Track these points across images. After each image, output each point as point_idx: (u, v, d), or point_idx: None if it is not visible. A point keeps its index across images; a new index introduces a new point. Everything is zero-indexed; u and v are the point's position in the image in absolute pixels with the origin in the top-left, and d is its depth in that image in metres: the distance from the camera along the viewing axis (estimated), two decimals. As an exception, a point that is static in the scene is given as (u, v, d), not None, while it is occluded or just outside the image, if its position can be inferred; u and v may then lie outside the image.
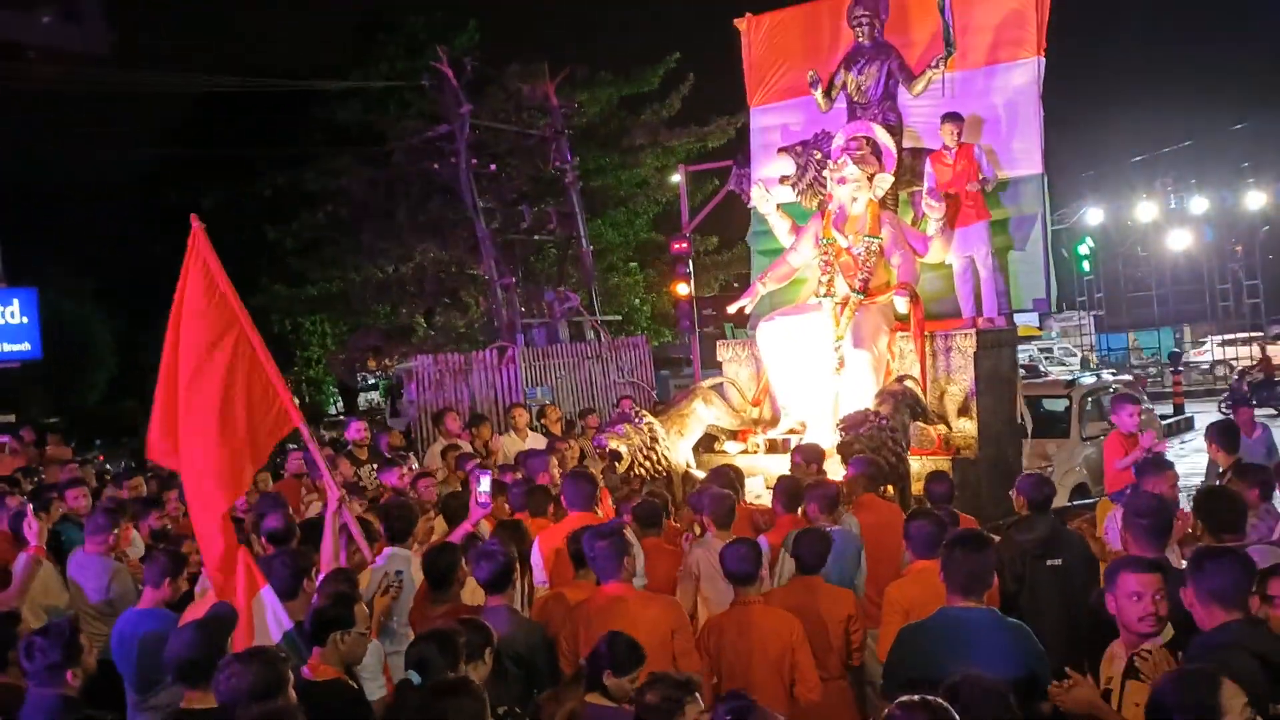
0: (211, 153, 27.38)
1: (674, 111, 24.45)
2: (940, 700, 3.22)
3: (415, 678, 4.50)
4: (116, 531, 7.32)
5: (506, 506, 7.86)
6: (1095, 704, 4.08)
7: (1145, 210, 36.05)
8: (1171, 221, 38.71)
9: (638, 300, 26.57)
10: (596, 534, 5.74)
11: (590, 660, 4.65)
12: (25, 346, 22.44)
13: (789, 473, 8.24)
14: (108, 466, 14.55)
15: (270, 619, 5.00)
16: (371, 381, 33.11)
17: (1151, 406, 16.74)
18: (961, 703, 3.42)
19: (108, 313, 29.63)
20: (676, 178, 25.13)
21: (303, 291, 25.32)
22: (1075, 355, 43.52)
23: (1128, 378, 22.50)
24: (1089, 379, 16.60)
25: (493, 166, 23.35)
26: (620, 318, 24.81)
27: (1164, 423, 20.83)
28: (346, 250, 25.03)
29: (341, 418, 32.00)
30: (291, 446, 11.63)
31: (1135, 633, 4.34)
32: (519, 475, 8.94)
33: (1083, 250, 36.17)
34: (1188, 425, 24.49)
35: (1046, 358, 41.46)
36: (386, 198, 24.22)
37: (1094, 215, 36.09)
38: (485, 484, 7.09)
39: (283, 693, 4.05)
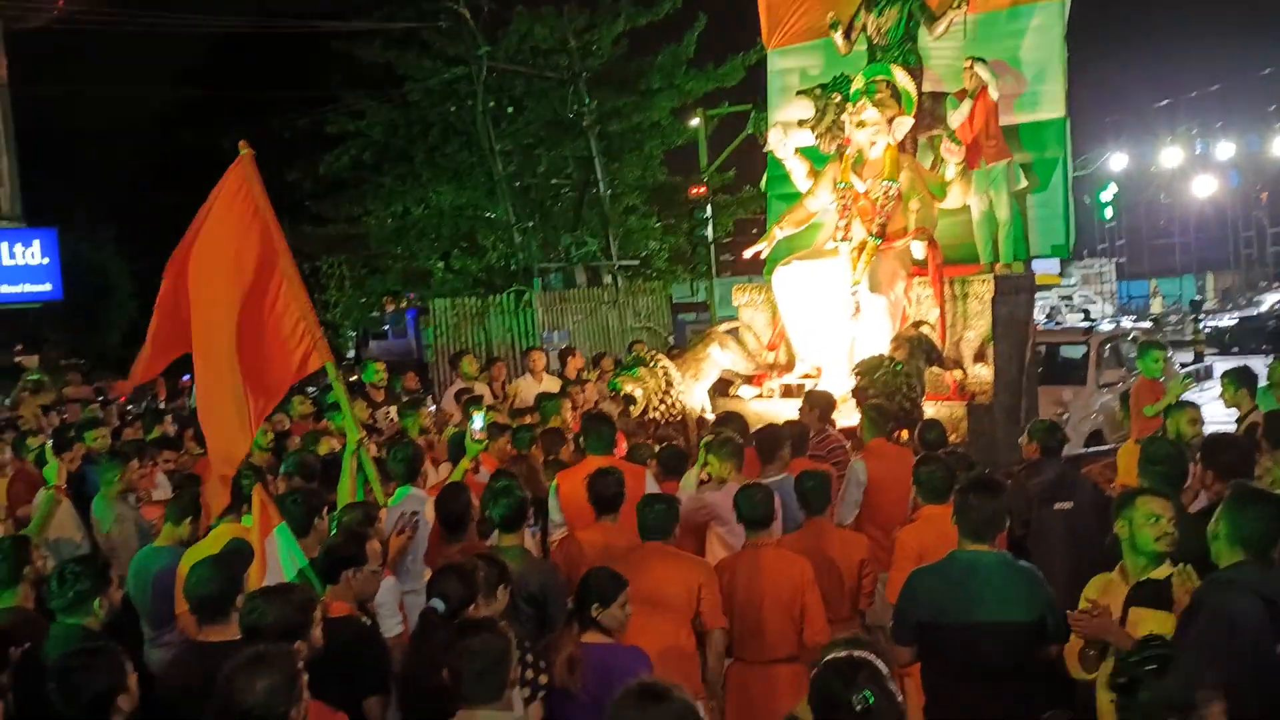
0: (231, 94, 27.27)
1: (690, 54, 24.19)
2: (866, 654, 3.23)
3: (439, 605, 4.55)
4: (126, 474, 7.39)
5: (509, 449, 7.90)
6: (1114, 632, 4.11)
7: (1170, 156, 35.60)
8: (1196, 168, 38.26)
9: (654, 244, 26.45)
10: (654, 499, 5.78)
11: (577, 602, 4.69)
12: (46, 287, 22.54)
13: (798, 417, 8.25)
14: (129, 408, 14.65)
15: (285, 555, 5.05)
16: (385, 326, 33.19)
17: (1172, 355, 16.65)
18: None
19: (127, 255, 29.70)
20: (695, 121, 24.90)
21: (322, 231, 25.28)
22: (1095, 303, 43.20)
23: (1147, 325, 22.44)
24: (1108, 326, 16.51)
25: (510, 109, 23.18)
26: (637, 262, 24.71)
27: (1183, 370, 20.73)
28: (365, 192, 24.97)
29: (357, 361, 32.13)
30: (311, 390, 11.70)
31: (1150, 553, 4.36)
32: (533, 419, 8.98)
33: (1105, 197, 35.80)
34: (1207, 374, 24.36)
35: (1066, 305, 41.17)
36: (405, 140, 24.13)
37: (1117, 161, 35.69)
38: (478, 421, 7.15)
39: (308, 632, 4.09)
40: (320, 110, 24.87)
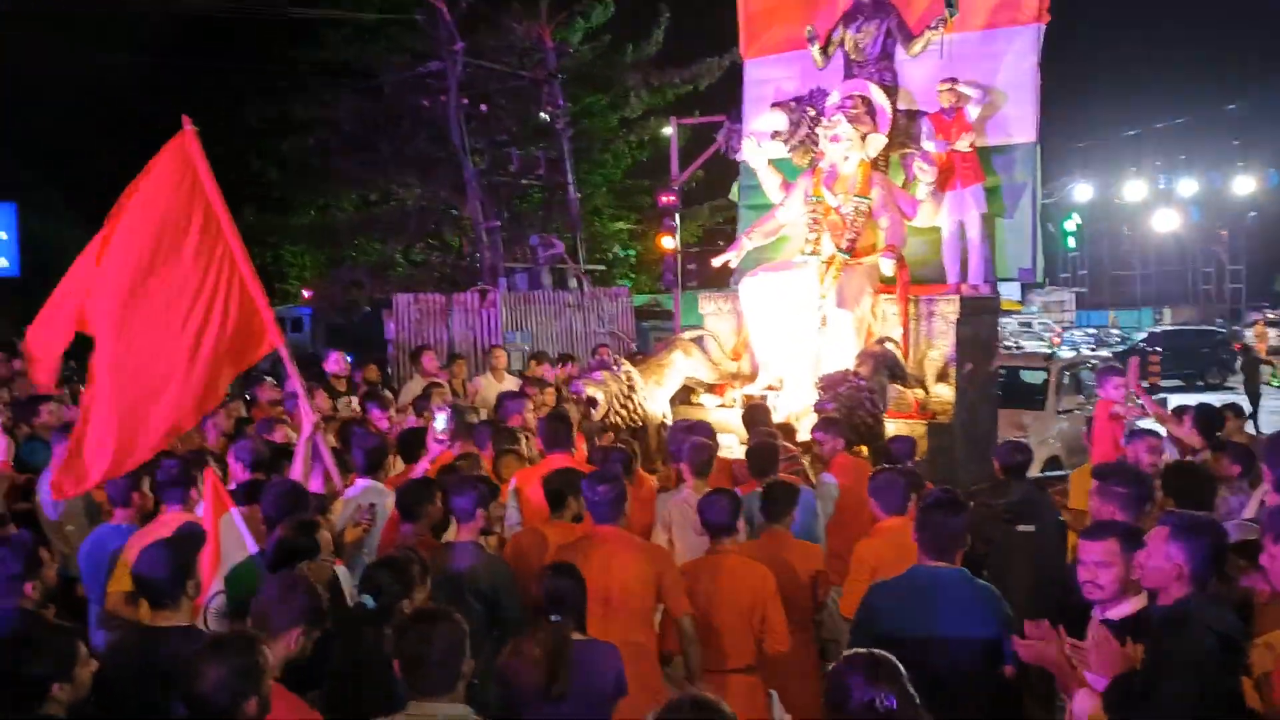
0: (200, 75, 26.96)
1: (659, 47, 24.24)
2: (886, 654, 3.19)
3: (369, 601, 4.49)
4: None
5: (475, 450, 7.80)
6: (1058, 663, 4.07)
7: (1134, 189, 36.00)
8: (1159, 201, 38.68)
9: (620, 249, 26.46)
10: (599, 478, 5.69)
11: (570, 600, 4.60)
12: (3, 263, 22.12)
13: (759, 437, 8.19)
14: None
15: (238, 541, 4.96)
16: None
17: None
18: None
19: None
20: (668, 130, 24.97)
21: (288, 220, 25.03)
22: (1053, 330, 43.65)
23: (1107, 354, 22.68)
24: (1067, 353, 16.67)
25: (483, 107, 23.07)
26: (604, 267, 24.70)
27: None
28: (332, 182, 24.78)
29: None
30: (270, 380, 11.52)
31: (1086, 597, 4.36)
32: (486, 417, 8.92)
33: (1069, 226, 36.20)
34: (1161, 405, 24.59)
35: (1025, 331, 41.55)
36: (373, 132, 23.99)
37: (1082, 191, 36.02)
38: (441, 421, 7.06)
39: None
40: (289, 97, 24.63)
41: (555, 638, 4.41)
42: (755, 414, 8.72)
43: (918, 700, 3.07)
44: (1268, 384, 23.49)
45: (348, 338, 23.84)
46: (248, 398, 10.76)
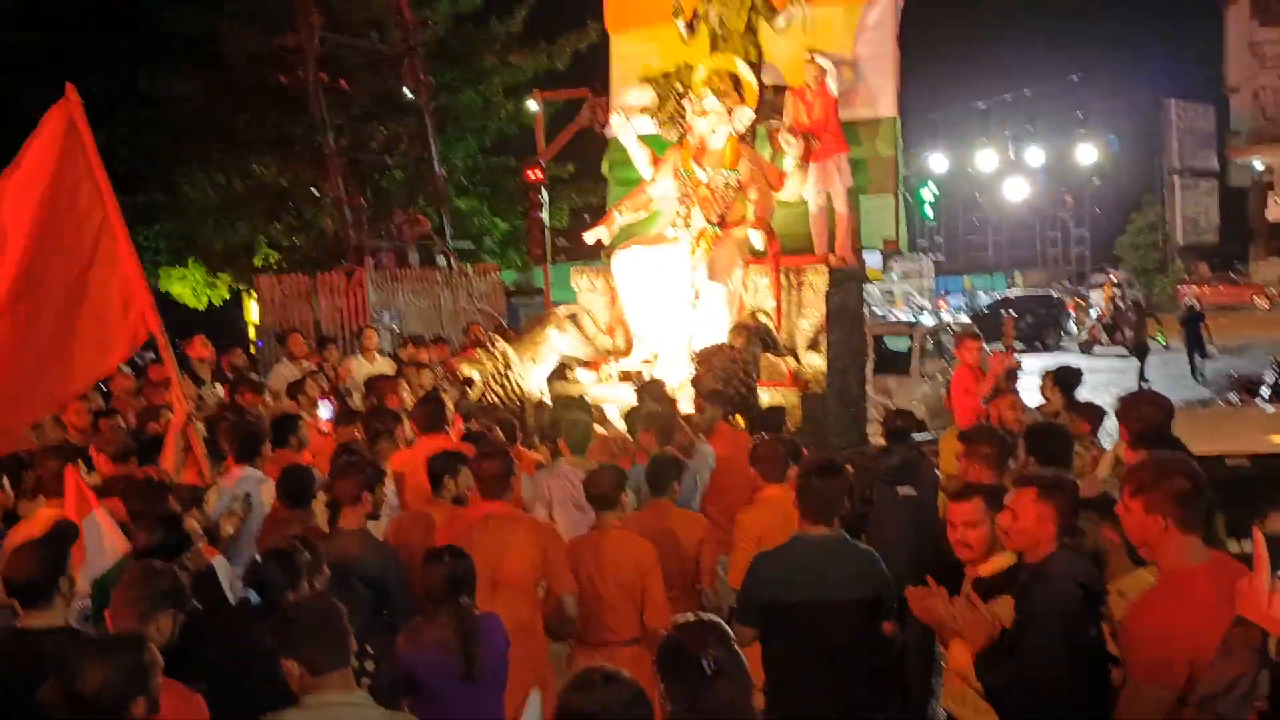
0: (40, 43, 25.52)
1: (518, 28, 24.05)
2: (715, 618, 3.33)
3: (254, 597, 4.41)
4: None
5: (356, 434, 7.70)
6: (941, 618, 4.21)
7: (985, 159, 37.08)
8: (1009, 170, 39.94)
9: (487, 224, 26.14)
10: (485, 453, 5.67)
11: (469, 581, 4.58)
12: None
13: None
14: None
15: (104, 542, 4.79)
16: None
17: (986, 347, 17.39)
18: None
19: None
20: (533, 104, 24.76)
21: (140, 199, 24.00)
22: (916, 297, 44.80)
23: (966, 320, 23.39)
24: (929, 320, 17.19)
25: (342, 82, 22.50)
26: (471, 245, 24.41)
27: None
28: (184, 161, 23.85)
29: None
30: (123, 369, 11.12)
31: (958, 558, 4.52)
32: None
33: (926, 195, 37.04)
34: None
35: (888, 300, 42.57)
36: (225, 108, 23.17)
37: (937, 162, 36.98)
38: (325, 410, 6.99)
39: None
40: (134, 67, 23.54)
41: (466, 620, 4.40)
42: (650, 389, 8.74)
43: (743, 662, 3.19)
44: (1153, 339, 24.87)
45: (199, 323, 23.18)
46: (105, 390, 10.39)
